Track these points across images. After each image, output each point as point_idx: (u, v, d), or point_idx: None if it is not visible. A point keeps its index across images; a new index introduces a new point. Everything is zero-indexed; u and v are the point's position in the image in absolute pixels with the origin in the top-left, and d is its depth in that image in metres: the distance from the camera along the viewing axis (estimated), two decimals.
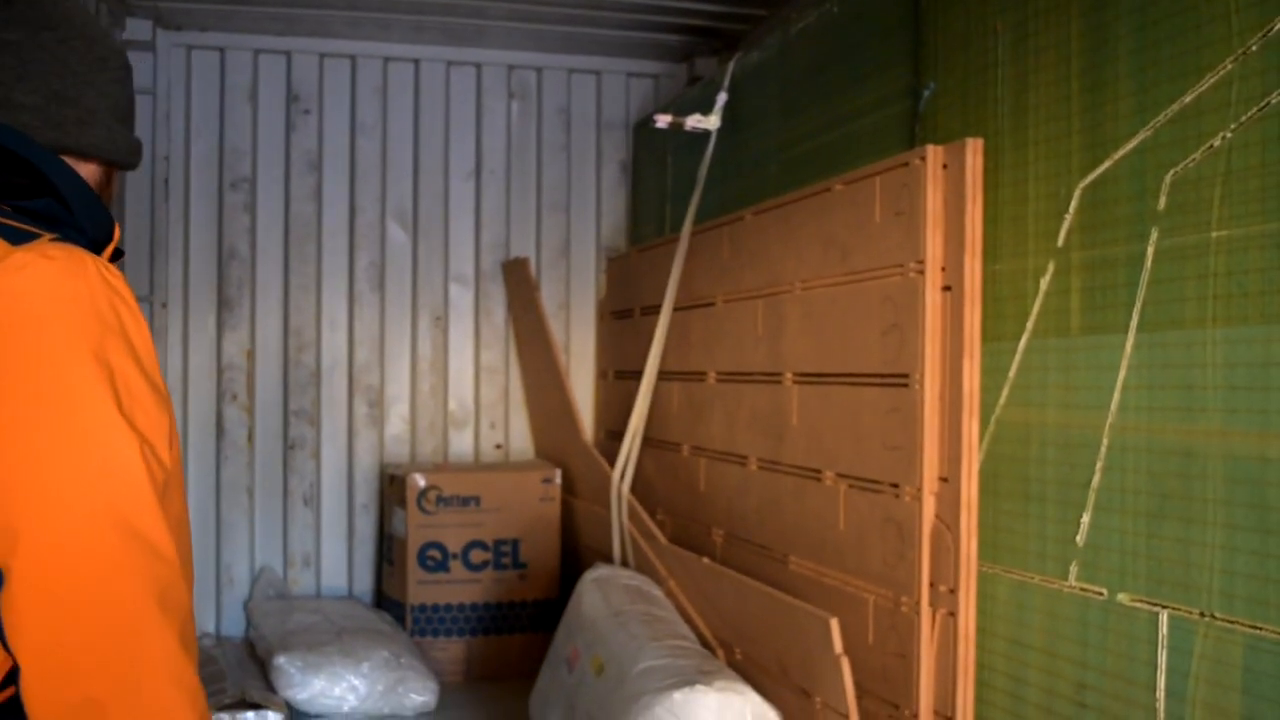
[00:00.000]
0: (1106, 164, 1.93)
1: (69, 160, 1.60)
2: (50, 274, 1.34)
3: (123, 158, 1.67)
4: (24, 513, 1.27)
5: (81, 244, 1.43)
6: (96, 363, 1.32)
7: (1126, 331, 1.88)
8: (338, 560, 4.32)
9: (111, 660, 1.28)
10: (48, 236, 1.39)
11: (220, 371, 4.22)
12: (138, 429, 1.33)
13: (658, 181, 4.07)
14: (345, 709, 3.45)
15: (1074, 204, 2.00)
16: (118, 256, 1.59)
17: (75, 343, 1.32)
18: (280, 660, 3.47)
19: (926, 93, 2.43)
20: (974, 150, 2.24)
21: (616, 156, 4.52)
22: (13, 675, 1.31)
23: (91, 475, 1.30)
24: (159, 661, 1.30)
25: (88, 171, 1.63)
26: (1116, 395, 1.90)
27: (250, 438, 4.25)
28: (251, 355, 4.25)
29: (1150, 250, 1.84)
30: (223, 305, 4.22)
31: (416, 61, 4.35)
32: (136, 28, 3.93)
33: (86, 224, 1.51)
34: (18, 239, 1.36)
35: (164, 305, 4.10)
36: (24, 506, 1.27)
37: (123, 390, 1.33)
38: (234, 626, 4.17)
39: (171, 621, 1.31)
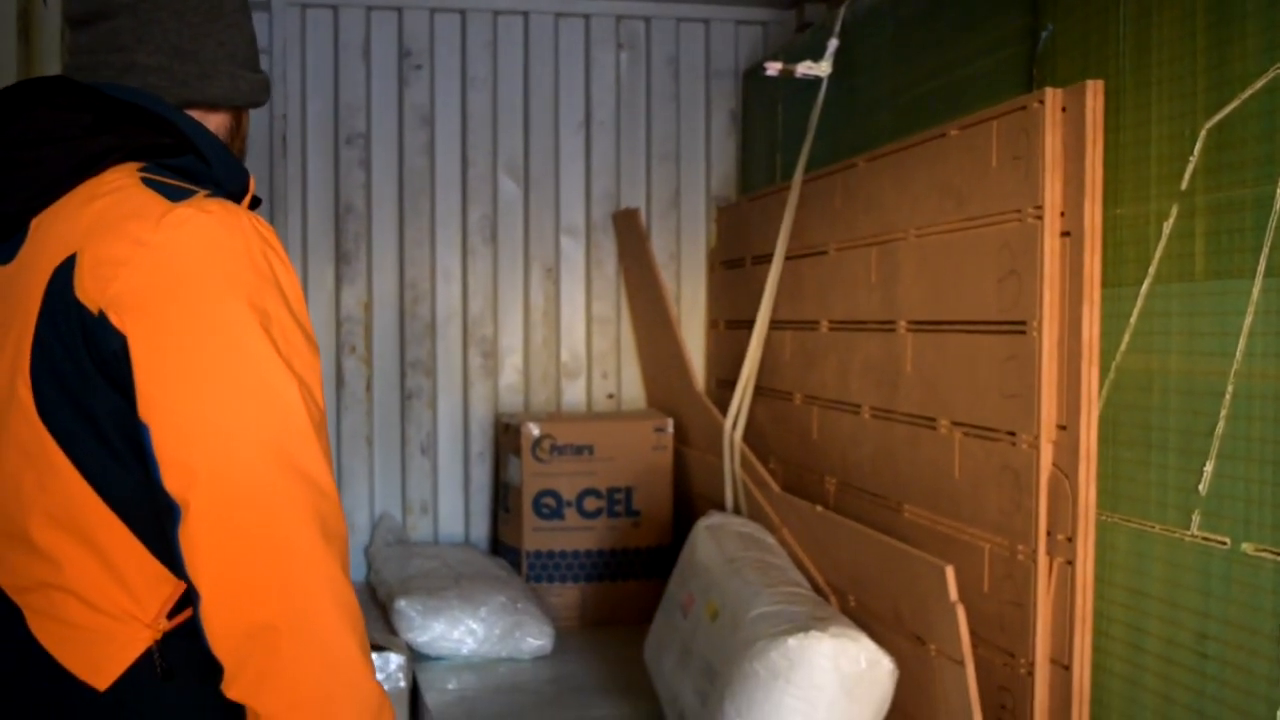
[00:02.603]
0: (1234, 104, 1.88)
1: (199, 113, 1.66)
2: (209, 227, 1.42)
3: (248, 99, 1.73)
4: (199, 452, 1.36)
5: (221, 197, 1.50)
6: (254, 310, 1.40)
7: (1254, 276, 1.83)
8: (455, 507, 4.41)
9: (282, 587, 1.37)
10: (202, 192, 1.46)
11: (339, 324, 4.31)
12: (295, 371, 1.41)
13: (768, 130, 4.04)
14: (464, 651, 3.54)
15: (1199, 145, 1.96)
16: (255, 205, 1.66)
17: (234, 292, 1.40)
18: (401, 604, 3.57)
19: (1045, 34, 2.38)
20: (1094, 92, 2.19)
21: (726, 105, 4.50)
22: (188, 597, 1.41)
23: (257, 416, 1.39)
24: (323, 587, 1.39)
25: (218, 120, 1.70)
26: (1243, 341, 1.86)
27: (368, 388, 4.34)
28: (369, 308, 4.33)
29: None
30: (340, 259, 4.30)
31: (525, 14, 4.36)
32: None
33: (223, 177, 1.58)
34: (175, 196, 1.44)
35: None
36: (199, 446, 1.36)
37: (278, 335, 1.41)
38: (355, 571, 4.27)
39: (333, 549, 1.41)
